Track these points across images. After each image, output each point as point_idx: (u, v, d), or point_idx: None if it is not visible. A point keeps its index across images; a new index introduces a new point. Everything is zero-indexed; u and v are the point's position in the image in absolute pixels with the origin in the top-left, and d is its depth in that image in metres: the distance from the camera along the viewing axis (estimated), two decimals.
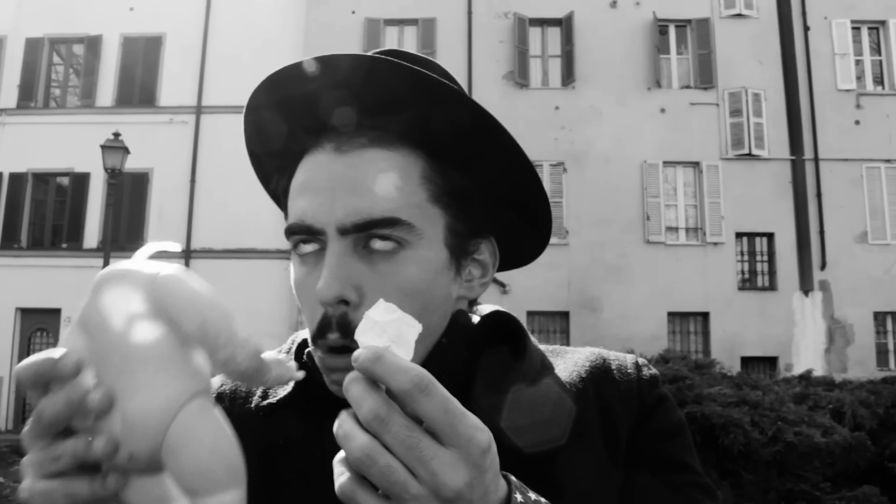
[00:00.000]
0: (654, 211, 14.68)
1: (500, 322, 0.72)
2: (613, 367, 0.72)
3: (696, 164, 14.95)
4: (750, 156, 14.76)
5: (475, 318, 0.71)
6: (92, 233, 15.23)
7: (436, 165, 0.64)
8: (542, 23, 15.66)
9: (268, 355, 0.49)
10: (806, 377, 7.41)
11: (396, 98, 0.61)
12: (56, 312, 14.54)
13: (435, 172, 0.64)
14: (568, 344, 0.80)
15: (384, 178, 0.61)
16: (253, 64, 13.35)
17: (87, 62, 16.01)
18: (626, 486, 0.65)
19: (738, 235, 14.69)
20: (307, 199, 0.62)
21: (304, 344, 0.71)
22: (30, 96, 15.97)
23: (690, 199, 14.95)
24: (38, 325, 14.92)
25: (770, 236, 14.69)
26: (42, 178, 15.70)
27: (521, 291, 13.78)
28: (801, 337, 14.18)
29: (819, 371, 11.00)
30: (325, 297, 0.57)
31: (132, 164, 12.44)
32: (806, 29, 15.14)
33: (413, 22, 15.62)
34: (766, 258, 14.76)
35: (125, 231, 15.00)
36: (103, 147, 11.12)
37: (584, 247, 14.41)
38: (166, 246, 0.49)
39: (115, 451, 0.42)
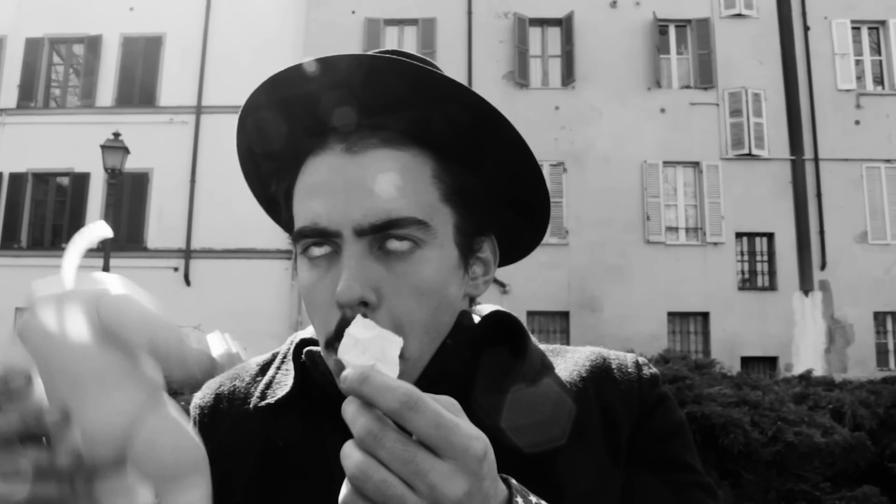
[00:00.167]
0: (654, 211, 14.68)
1: (501, 322, 0.72)
2: (614, 366, 0.72)
3: (696, 164, 14.95)
4: (750, 156, 14.76)
5: (475, 318, 0.71)
6: None
7: (444, 164, 0.64)
8: (542, 23, 15.66)
9: (219, 353, 0.50)
10: (806, 377, 7.41)
11: (403, 97, 0.61)
12: None
13: (444, 171, 0.64)
14: (568, 344, 0.79)
15: (399, 179, 0.61)
16: (253, 64, 13.35)
17: (87, 62, 16.01)
18: (627, 485, 0.65)
19: (738, 235, 14.69)
20: (319, 201, 0.61)
21: (301, 344, 0.71)
22: (30, 96, 15.98)
23: (690, 199, 14.96)
24: None
25: (770, 236, 14.69)
26: (42, 178, 15.70)
27: (521, 291, 13.78)
28: (801, 337, 14.18)
29: (819, 371, 11.00)
30: (346, 299, 0.57)
31: (132, 164, 12.43)
32: (806, 29, 15.14)
33: (413, 22, 15.62)
34: (766, 258, 14.76)
35: (125, 231, 15.00)
36: (103, 147, 11.12)
37: (584, 247, 14.41)
38: (98, 233, 0.49)
39: (80, 462, 0.43)
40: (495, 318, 0.72)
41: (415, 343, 0.61)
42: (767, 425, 5.02)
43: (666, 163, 14.91)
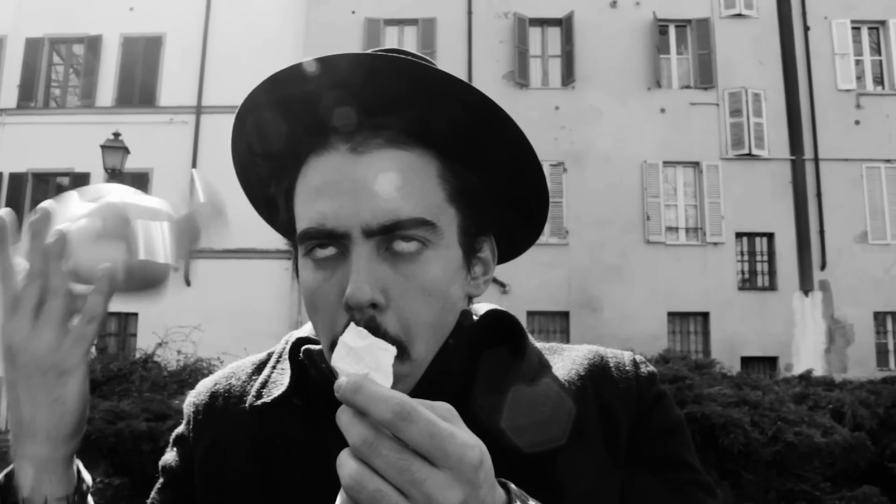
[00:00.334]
0: (654, 211, 14.68)
1: (499, 321, 0.72)
2: (611, 364, 0.71)
3: (696, 164, 14.95)
4: (750, 156, 14.76)
5: (474, 318, 0.71)
6: None
7: (447, 164, 0.64)
8: (542, 23, 15.66)
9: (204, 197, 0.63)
10: (806, 377, 7.41)
11: (404, 95, 0.61)
12: None
13: (448, 171, 0.64)
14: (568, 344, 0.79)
15: (407, 179, 0.61)
16: (253, 64, 13.34)
17: (87, 62, 16.01)
18: (626, 484, 0.65)
19: (738, 235, 14.69)
20: (326, 202, 0.60)
21: (298, 343, 0.71)
22: (30, 96, 15.97)
23: (690, 199, 14.96)
24: None
25: (770, 236, 14.69)
26: (42, 178, 15.70)
27: (521, 291, 13.78)
28: (801, 337, 14.18)
29: (819, 371, 11.00)
30: (357, 301, 0.56)
31: (132, 164, 12.44)
32: (806, 29, 15.14)
33: (413, 22, 15.62)
34: (766, 258, 14.76)
35: None
36: (103, 147, 11.12)
37: (584, 247, 14.41)
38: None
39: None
40: (494, 317, 0.72)
41: (421, 344, 0.61)
42: (767, 425, 5.02)
43: (666, 163, 14.91)
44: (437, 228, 0.61)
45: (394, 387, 0.46)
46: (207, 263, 14.86)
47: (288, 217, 0.66)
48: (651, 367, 0.73)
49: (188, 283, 14.75)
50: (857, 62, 15.32)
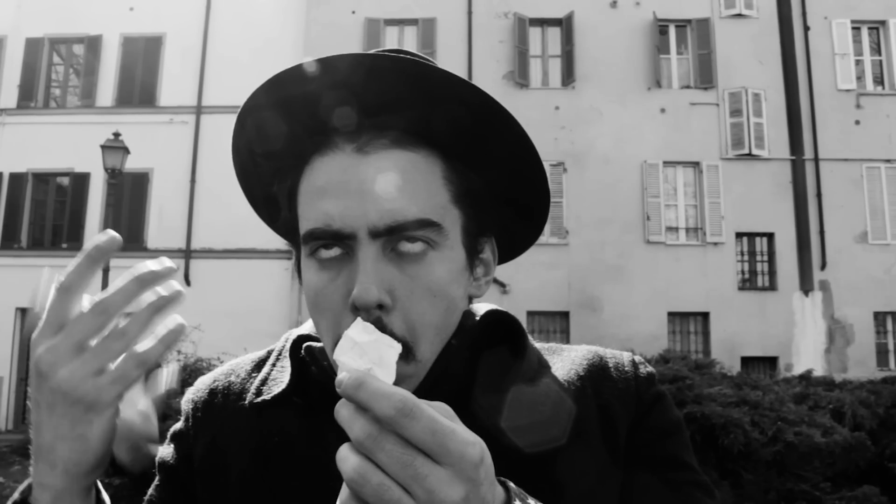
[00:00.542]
0: (654, 211, 14.68)
1: (499, 321, 0.72)
2: (610, 364, 0.72)
3: (696, 164, 14.95)
4: (750, 156, 14.76)
5: (475, 318, 0.71)
6: (92, 233, 15.21)
7: (451, 164, 0.64)
8: (542, 23, 15.66)
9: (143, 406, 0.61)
10: (806, 377, 7.42)
11: (405, 95, 0.61)
12: None
13: (452, 172, 0.64)
14: (568, 344, 0.79)
15: (413, 180, 0.61)
16: (253, 64, 13.36)
17: (87, 62, 16.01)
18: (625, 484, 0.65)
19: (738, 235, 14.69)
20: (332, 202, 0.60)
21: (299, 340, 0.71)
22: (30, 96, 15.97)
23: (690, 199, 14.95)
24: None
25: (770, 236, 14.69)
26: (42, 178, 15.70)
27: (521, 291, 13.78)
28: (801, 337, 14.18)
29: (819, 371, 11.00)
30: (365, 302, 0.56)
31: (132, 164, 12.44)
32: (806, 29, 15.14)
33: (413, 22, 15.62)
34: (766, 258, 14.76)
35: (125, 231, 15.00)
36: (103, 147, 11.13)
37: (584, 247, 14.41)
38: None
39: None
40: (494, 317, 0.72)
41: (426, 345, 0.61)
42: (767, 425, 5.02)
43: (666, 163, 14.91)
44: (443, 229, 0.61)
45: (397, 387, 0.46)
46: (207, 263, 14.86)
47: (290, 217, 0.66)
48: (650, 368, 0.73)
49: (188, 283, 14.75)
50: (857, 62, 15.32)
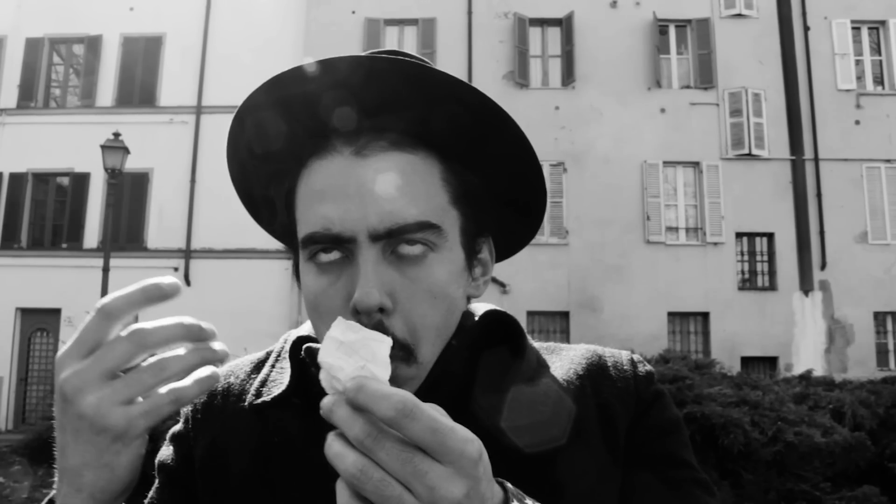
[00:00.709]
0: (654, 211, 14.68)
1: (499, 321, 0.72)
2: (609, 364, 0.72)
3: (696, 164, 14.95)
4: (750, 156, 14.76)
5: (475, 318, 0.71)
6: (92, 233, 15.23)
7: (449, 165, 0.64)
8: (542, 23, 15.66)
9: None
10: (806, 377, 7.42)
11: (404, 96, 0.61)
12: (56, 312, 14.54)
13: (450, 173, 0.64)
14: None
15: (412, 182, 0.60)
16: (253, 64, 13.36)
17: (87, 62, 16.01)
18: (624, 483, 0.65)
19: (738, 235, 14.69)
20: (331, 206, 0.60)
21: (298, 341, 0.71)
22: (30, 96, 15.97)
23: (690, 199, 14.96)
24: (38, 325, 14.92)
25: (770, 236, 14.69)
26: (42, 178, 15.70)
27: (521, 291, 13.78)
28: (801, 337, 14.18)
29: (819, 371, 11.00)
30: (366, 306, 0.56)
31: (132, 164, 12.44)
32: (806, 29, 15.14)
33: (413, 22, 15.62)
34: (766, 258, 14.76)
35: (125, 231, 15.01)
36: (103, 147, 11.13)
37: (584, 247, 14.41)
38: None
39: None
40: (493, 317, 0.72)
41: (427, 346, 0.61)
42: (767, 425, 5.03)
43: (666, 163, 14.91)
44: (442, 231, 0.61)
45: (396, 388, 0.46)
46: (207, 263, 14.86)
47: (288, 220, 0.66)
48: (649, 367, 0.73)
49: (188, 283, 14.76)
50: (857, 62, 15.32)
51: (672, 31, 15.58)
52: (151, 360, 0.51)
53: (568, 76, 15.31)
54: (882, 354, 14.26)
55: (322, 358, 0.47)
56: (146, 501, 0.72)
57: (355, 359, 0.46)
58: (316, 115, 0.62)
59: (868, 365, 13.52)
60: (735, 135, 14.83)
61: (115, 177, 11.30)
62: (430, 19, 15.47)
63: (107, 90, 15.89)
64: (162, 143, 15.21)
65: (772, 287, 14.57)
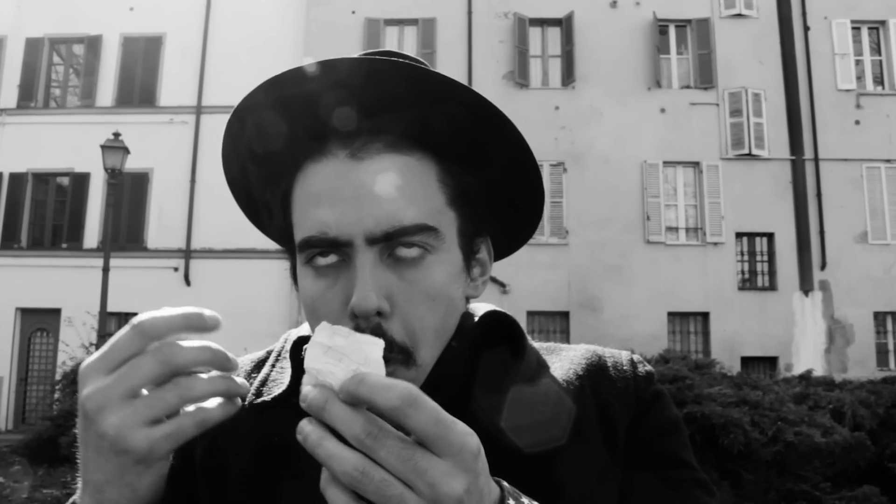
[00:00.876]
0: (654, 211, 14.68)
1: (499, 322, 0.72)
2: (609, 364, 0.72)
3: (696, 164, 14.95)
4: (750, 156, 14.76)
5: (474, 319, 0.71)
6: (92, 233, 15.23)
7: (446, 166, 0.64)
8: (542, 23, 15.66)
9: None
10: (806, 377, 7.42)
11: (403, 98, 0.61)
12: (56, 312, 14.55)
13: (447, 174, 0.64)
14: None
15: (408, 184, 0.60)
16: (253, 64, 13.36)
17: (87, 62, 16.01)
18: (624, 483, 0.65)
19: (738, 235, 14.69)
20: (327, 209, 0.59)
21: (299, 341, 0.71)
22: (30, 96, 15.98)
23: (690, 199, 14.96)
24: (38, 325, 14.92)
25: (770, 236, 14.69)
26: (42, 178, 15.70)
27: (521, 291, 13.78)
28: (801, 337, 14.18)
29: (819, 371, 11.00)
30: (364, 310, 0.56)
31: (132, 164, 12.44)
32: (806, 29, 15.14)
33: (413, 22, 15.62)
34: (766, 258, 14.76)
35: (125, 231, 15.01)
36: (103, 147, 11.12)
37: (584, 247, 14.41)
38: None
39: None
40: (493, 318, 0.72)
41: (426, 349, 0.61)
42: (767, 425, 5.03)
43: (666, 163, 14.91)
44: (439, 233, 0.61)
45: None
46: (207, 263, 14.86)
47: (285, 224, 0.66)
48: (648, 367, 0.73)
49: (188, 283, 14.76)
50: (857, 62, 15.32)
51: (672, 31, 15.58)
52: (177, 379, 0.50)
53: (568, 76, 15.31)
54: (882, 354, 14.26)
55: (309, 364, 0.46)
56: None
57: (346, 363, 0.45)
58: (315, 115, 0.62)
59: (868, 365, 13.52)
60: (735, 135, 14.83)
61: (115, 177, 11.30)
62: (430, 19, 15.47)
63: (107, 90, 15.89)
64: (162, 143, 15.21)
65: (772, 287, 14.57)
